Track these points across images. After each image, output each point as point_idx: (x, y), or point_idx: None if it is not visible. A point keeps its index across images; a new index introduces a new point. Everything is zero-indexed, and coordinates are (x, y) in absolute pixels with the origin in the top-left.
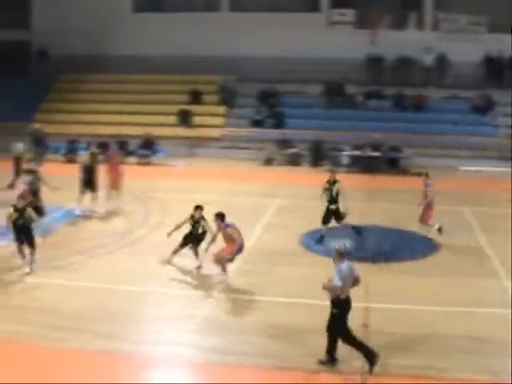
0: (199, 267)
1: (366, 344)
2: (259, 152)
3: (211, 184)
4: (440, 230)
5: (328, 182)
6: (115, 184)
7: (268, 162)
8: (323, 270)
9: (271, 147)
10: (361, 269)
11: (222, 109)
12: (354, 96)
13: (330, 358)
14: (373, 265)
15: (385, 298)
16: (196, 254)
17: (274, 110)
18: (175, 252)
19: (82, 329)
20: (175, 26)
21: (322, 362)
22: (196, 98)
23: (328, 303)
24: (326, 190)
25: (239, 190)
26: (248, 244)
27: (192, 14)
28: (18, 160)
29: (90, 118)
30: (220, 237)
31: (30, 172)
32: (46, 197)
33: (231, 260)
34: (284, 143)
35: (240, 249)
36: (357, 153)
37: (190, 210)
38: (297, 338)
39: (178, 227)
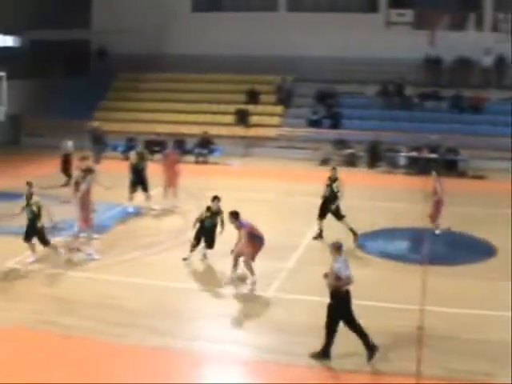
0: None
1: (368, 335)
2: (315, 152)
3: (267, 183)
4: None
5: (329, 178)
6: (171, 182)
7: (324, 162)
8: (378, 272)
9: (328, 147)
10: (417, 271)
11: (278, 108)
12: (412, 97)
13: (323, 353)
14: (429, 267)
15: (442, 301)
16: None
17: (331, 110)
18: (192, 249)
19: (139, 325)
20: (233, 26)
21: (313, 356)
22: (253, 97)
23: (382, 304)
24: (327, 186)
25: (295, 190)
26: (302, 244)
27: (250, 13)
28: (66, 158)
29: (147, 117)
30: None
31: (88, 171)
32: (104, 194)
33: (253, 260)
34: (341, 144)
35: (260, 246)
36: (414, 154)
37: (245, 209)
38: (350, 339)
39: (198, 220)
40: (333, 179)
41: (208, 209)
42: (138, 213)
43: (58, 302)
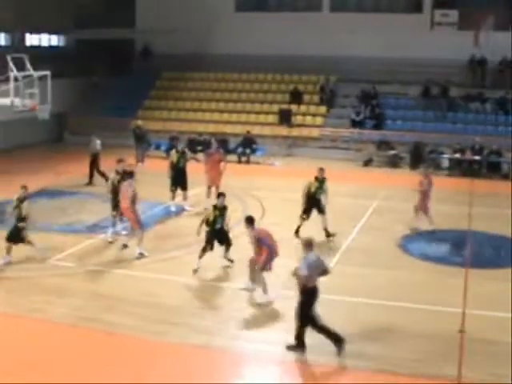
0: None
1: (333, 330)
2: (358, 153)
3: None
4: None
5: (316, 178)
6: (215, 182)
7: (367, 163)
8: (420, 274)
9: (370, 148)
10: (459, 274)
11: (322, 109)
12: (456, 98)
13: (298, 344)
14: (471, 270)
15: (484, 305)
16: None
17: (374, 110)
18: (202, 254)
19: (180, 323)
20: (277, 26)
21: (289, 348)
22: (297, 97)
23: (423, 307)
24: (314, 186)
25: (337, 191)
26: (344, 245)
27: (294, 13)
28: (95, 157)
29: (190, 116)
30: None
31: (129, 174)
32: (147, 192)
33: (263, 269)
34: (383, 144)
35: (271, 256)
36: (457, 156)
37: (285, 209)
38: (390, 340)
39: (204, 222)
40: (320, 180)
41: (214, 207)
42: (179, 212)
43: (100, 299)
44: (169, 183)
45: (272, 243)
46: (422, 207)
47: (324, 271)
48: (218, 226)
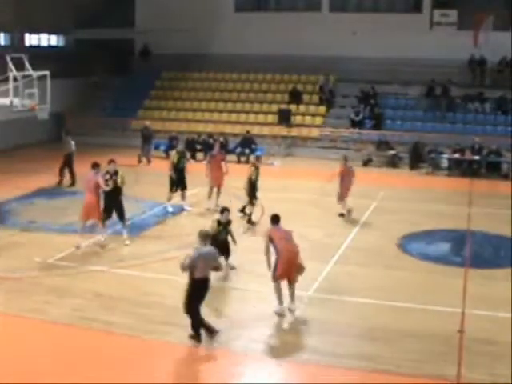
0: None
1: (209, 324)
2: (357, 153)
3: (308, 183)
4: (350, 211)
5: (253, 165)
6: (218, 182)
7: (366, 163)
8: (419, 274)
9: (370, 148)
10: (458, 274)
11: (321, 109)
12: (455, 98)
13: (195, 334)
14: (471, 270)
15: (483, 305)
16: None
17: (373, 110)
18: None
19: (180, 323)
20: (277, 26)
21: (191, 337)
22: (296, 97)
23: (422, 306)
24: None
25: (336, 190)
26: (343, 245)
27: (293, 13)
28: (69, 157)
29: (190, 116)
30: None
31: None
32: (147, 192)
33: (273, 278)
34: (383, 144)
35: (279, 262)
36: (456, 156)
37: (285, 209)
38: (390, 340)
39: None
40: (256, 167)
41: (218, 222)
42: (177, 212)
43: (100, 299)
44: (169, 184)
45: (282, 247)
46: (341, 194)
47: (216, 267)
48: (221, 237)
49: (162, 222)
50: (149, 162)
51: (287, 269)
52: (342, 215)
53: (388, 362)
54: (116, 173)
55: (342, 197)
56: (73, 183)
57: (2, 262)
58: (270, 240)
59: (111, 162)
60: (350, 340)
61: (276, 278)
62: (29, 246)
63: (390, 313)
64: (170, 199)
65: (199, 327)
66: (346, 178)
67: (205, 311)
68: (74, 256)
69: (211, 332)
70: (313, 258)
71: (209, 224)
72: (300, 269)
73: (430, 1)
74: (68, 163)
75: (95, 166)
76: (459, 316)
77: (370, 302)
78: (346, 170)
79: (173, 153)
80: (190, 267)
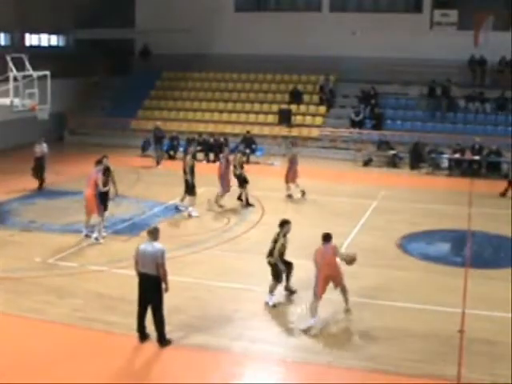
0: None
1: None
2: (358, 153)
3: (308, 183)
4: (303, 193)
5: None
6: (228, 183)
7: (366, 163)
8: (420, 274)
9: (370, 148)
10: (458, 273)
11: (321, 109)
12: (456, 98)
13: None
14: (471, 270)
15: (484, 305)
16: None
17: (373, 110)
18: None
19: (181, 323)
20: (277, 26)
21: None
22: (296, 97)
23: (422, 306)
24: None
25: (336, 191)
26: (344, 245)
27: (293, 13)
28: (41, 161)
29: (190, 116)
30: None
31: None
32: (147, 192)
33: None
34: (383, 144)
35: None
36: (457, 156)
37: (286, 209)
38: (390, 340)
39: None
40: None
41: (278, 234)
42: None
43: (100, 299)
44: (188, 188)
45: (320, 265)
46: (288, 178)
47: (158, 265)
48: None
49: (163, 221)
50: (158, 163)
51: (325, 285)
52: (289, 196)
53: (388, 362)
54: (108, 169)
55: (287, 180)
56: (40, 187)
57: (2, 261)
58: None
59: (104, 157)
60: (349, 340)
61: (317, 295)
62: (29, 246)
63: (390, 313)
64: (193, 204)
65: (141, 323)
66: (293, 161)
67: (205, 311)
68: (74, 256)
69: (165, 342)
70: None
71: (206, 224)
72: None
73: (430, 1)
74: (40, 166)
75: (98, 162)
76: (459, 316)
77: (370, 302)
78: (293, 156)
79: (188, 157)
80: (135, 262)
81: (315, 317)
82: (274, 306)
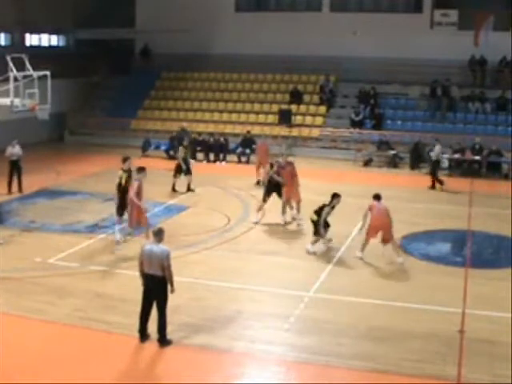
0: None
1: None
2: (358, 153)
3: (308, 183)
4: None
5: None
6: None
7: (367, 163)
8: (420, 274)
9: (370, 148)
10: (458, 273)
11: (322, 109)
12: (456, 98)
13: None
14: (471, 270)
15: (484, 305)
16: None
17: (374, 110)
18: None
19: (181, 323)
20: (277, 26)
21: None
22: (296, 97)
23: (423, 306)
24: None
25: (336, 191)
26: (344, 244)
27: (294, 13)
28: (16, 163)
29: (191, 116)
30: None
31: (140, 169)
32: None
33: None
34: (383, 145)
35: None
36: (457, 156)
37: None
38: (390, 340)
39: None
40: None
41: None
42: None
43: (100, 299)
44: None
45: (373, 216)
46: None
47: (163, 266)
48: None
49: (163, 221)
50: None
51: (374, 233)
52: (257, 183)
53: (388, 362)
54: (129, 171)
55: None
56: (20, 190)
57: (2, 261)
58: (370, 209)
59: (125, 160)
60: (350, 340)
61: (366, 238)
62: (29, 245)
63: (390, 313)
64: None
65: (141, 325)
66: (260, 150)
67: (205, 311)
68: (74, 256)
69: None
70: (313, 258)
71: (206, 224)
72: (386, 239)
73: (430, 1)
74: (17, 170)
75: (141, 170)
76: (459, 316)
77: (370, 301)
78: (260, 145)
79: (180, 149)
80: (139, 263)
81: (362, 251)
82: (315, 253)
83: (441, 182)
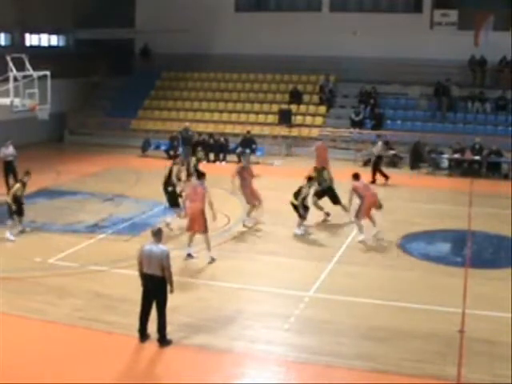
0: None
1: (145, 323)
2: (358, 153)
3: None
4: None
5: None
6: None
7: (367, 163)
8: (420, 274)
9: (370, 148)
10: (458, 273)
11: (321, 108)
12: (456, 98)
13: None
14: (471, 270)
15: (484, 305)
16: None
17: (374, 110)
18: None
19: (180, 323)
20: (277, 26)
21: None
22: (296, 97)
23: (423, 306)
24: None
25: (336, 190)
26: (344, 244)
27: (294, 13)
28: (10, 163)
29: (191, 116)
30: None
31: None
32: (148, 192)
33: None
34: (383, 144)
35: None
36: (457, 156)
37: (285, 209)
38: (390, 340)
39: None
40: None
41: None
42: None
43: (100, 299)
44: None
45: (365, 195)
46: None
47: (162, 266)
48: None
49: (162, 221)
50: (182, 164)
51: (369, 211)
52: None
53: (388, 362)
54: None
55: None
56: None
57: (2, 261)
58: (355, 191)
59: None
60: (350, 340)
61: (359, 218)
62: (29, 246)
63: (390, 313)
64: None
65: (141, 325)
66: (319, 152)
67: (205, 311)
68: (74, 256)
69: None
70: (313, 258)
71: (209, 224)
72: (379, 206)
73: (430, 1)
74: (12, 170)
75: (202, 175)
76: (459, 316)
77: (370, 301)
78: (319, 146)
79: (192, 159)
80: (138, 263)
81: (363, 232)
82: (303, 234)
83: (386, 177)
